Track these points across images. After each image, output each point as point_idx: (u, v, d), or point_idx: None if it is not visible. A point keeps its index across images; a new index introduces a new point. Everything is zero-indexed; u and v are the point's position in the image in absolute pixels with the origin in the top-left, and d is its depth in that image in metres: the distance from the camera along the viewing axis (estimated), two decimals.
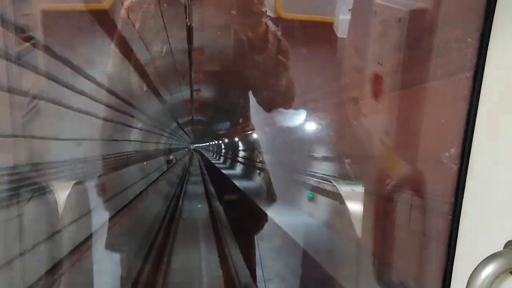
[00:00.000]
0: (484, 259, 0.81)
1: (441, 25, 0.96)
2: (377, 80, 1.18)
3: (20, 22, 1.09)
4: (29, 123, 1.19)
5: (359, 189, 1.48)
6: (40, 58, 1.27)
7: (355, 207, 1.54)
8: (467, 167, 0.85)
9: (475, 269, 0.81)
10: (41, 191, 1.38)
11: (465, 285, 0.81)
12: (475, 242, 0.86)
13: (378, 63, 1.18)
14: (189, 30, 1.64)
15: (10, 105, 1.04)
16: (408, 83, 1.09)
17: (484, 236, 0.84)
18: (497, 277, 0.79)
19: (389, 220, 1.22)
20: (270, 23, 1.78)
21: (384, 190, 1.23)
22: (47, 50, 1.36)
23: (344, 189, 1.77)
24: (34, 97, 1.21)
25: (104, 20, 1.78)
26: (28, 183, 1.25)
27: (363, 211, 1.36)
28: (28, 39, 1.15)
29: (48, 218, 1.41)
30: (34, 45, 1.20)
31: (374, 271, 1.26)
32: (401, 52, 1.07)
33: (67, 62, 1.62)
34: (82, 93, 1.81)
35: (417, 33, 1.03)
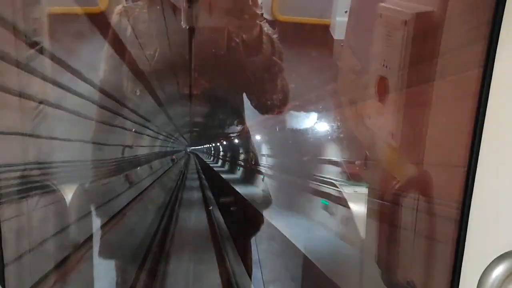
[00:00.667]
0: (494, 260, 0.81)
1: (447, 26, 0.96)
2: (382, 82, 1.18)
3: (29, 26, 1.09)
4: (37, 126, 1.20)
5: (363, 191, 1.49)
6: (47, 63, 1.27)
7: (359, 209, 1.54)
8: (476, 168, 0.85)
9: (485, 269, 0.81)
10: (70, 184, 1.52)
11: (475, 286, 0.81)
12: (484, 244, 0.86)
13: (383, 65, 1.18)
14: (191, 32, 1.63)
15: (20, 110, 1.04)
16: (414, 84, 1.09)
17: (493, 238, 0.84)
18: (508, 276, 0.79)
19: (395, 223, 1.22)
20: (267, 25, 1.78)
21: (389, 193, 1.23)
22: (53, 54, 1.35)
23: (347, 191, 1.77)
24: (41, 102, 1.21)
25: (101, 23, 1.77)
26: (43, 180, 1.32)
27: (368, 214, 1.37)
28: (36, 44, 1.15)
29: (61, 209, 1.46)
30: (41, 50, 1.19)
31: (380, 275, 1.26)
32: (407, 54, 1.07)
33: (71, 68, 1.62)
34: (103, 107, 1.91)
35: (423, 35, 1.03)
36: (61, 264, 1.52)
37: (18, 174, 1.13)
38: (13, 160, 1.09)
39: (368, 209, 1.39)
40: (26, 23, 1.07)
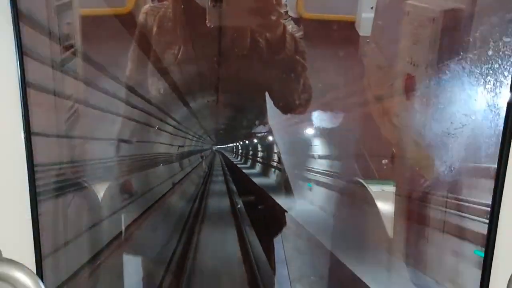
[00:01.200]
0: None
1: (476, 23, 0.95)
2: (409, 80, 1.17)
3: (63, 31, 1.13)
4: (72, 125, 1.24)
5: (391, 189, 1.47)
6: (80, 65, 1.31)
7: (387, 208, 1.52)
8: (506, 167, 0.84)
9: None
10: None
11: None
12: None
13: (410, 63, 1.17)
14: (219, 32, 1.64)
15: (55, 110, 1.08)
16: (442, 82, 1.08)
17: None
18: None
19: (423, 222, 1.20)
20: (291, 23, 1.78)
21: (418, 192, 1.22)
22: (85, 56, 1.40)
23: (374, 189, 1.75)
24: (75, 102, 1.25)
25: (129, 23, 1.81)
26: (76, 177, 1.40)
27: (396, 213, 1.35)
28: (70, 47, 1.19)
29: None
30: (74, 52, 1.24)
31: (408, 275, 1.25)
32: (435, 52, 1.05)
33: (103, 69, 1.66)
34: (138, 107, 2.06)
35: (452, 33, 1.02)
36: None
37: (54, 172, 1.17)
38: (50, 160, 1.14)
39: (396, 208, 1.38)
40: (60, 28, 1.11)
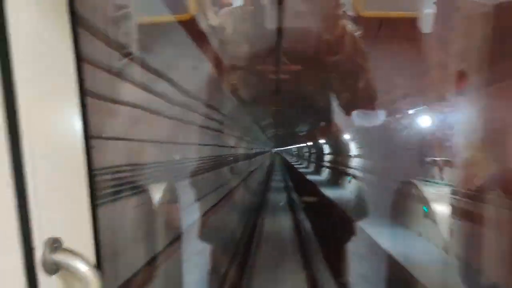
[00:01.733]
0: None
1: None
2: (461, 76, 1.14)
3: (120, 39, 1.22)
4: (129, 130, 1.33)
5: (445, 190, 1.42)
6: (138, 71, 1.40)
7: (442, 208, 1.48)
8: None
9: None
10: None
11: None
12: None
13: (462, 59, 1.13)
14: (279, 33, 1.67)
15: (113, 114, 1.16)
16: (495, 79, 1.04)
17: None
18: None
19: (480, 222, 1.16)
20: (350, 23, 1.77)
21: (474, 191, 1.17)
22: (143, 63, 1.49)
23: (430, 190, 1.70)
24: (133, 107, 1.34)
25: (192, 28, 1.89)
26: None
27: (451, 213, 1.31)
28: (127, 54, 1.28)
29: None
30: (132, 59, 1.33)
31: (461, 274, 1.21)
32: (487, 47, 1.02)
33: (163, 75, 1.74)
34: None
35: (504, 27, 0.98)
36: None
37: (124, 174, 1.25)
38: (119, 162, 1.23)
39: (453, 208, 1.34)
40: (120, 37, 1.20)
